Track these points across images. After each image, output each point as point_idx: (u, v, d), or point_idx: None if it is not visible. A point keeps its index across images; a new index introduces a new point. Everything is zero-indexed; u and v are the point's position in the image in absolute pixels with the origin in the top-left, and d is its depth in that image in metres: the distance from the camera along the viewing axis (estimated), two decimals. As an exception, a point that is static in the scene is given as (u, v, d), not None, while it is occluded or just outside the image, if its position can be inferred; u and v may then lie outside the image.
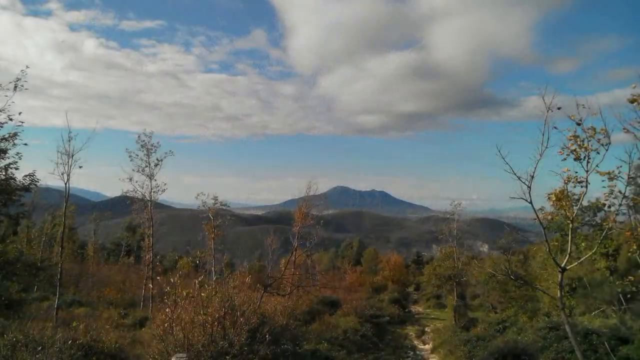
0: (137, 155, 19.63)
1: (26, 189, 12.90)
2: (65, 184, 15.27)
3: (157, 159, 19.85)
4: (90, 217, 38.97)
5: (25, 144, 12.40)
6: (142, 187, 19.94)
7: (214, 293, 8.70)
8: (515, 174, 6.63)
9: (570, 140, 6.33)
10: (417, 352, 17.40)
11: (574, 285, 18.29)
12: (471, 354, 13.79)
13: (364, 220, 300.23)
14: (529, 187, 6.64)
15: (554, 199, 6.58)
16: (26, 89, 12.38)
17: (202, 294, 8.35)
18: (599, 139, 6.19)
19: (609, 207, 6.57)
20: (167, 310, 7.94)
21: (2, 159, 12.06)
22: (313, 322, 15.99)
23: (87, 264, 32.84)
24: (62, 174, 15.01)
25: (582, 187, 6.51)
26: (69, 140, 15.01)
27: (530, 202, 6.73)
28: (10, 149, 12.12)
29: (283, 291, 16.01)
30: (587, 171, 6.38)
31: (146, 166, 19.73)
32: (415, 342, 19.53)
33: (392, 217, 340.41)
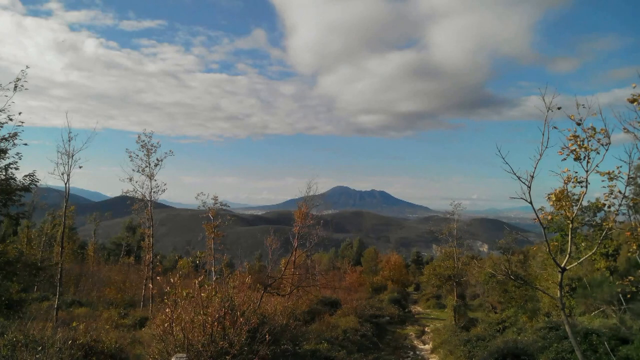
0: (137, 156, 19.65)
1: (26, 189, 12.91)
2: (65, 184, 15.29)
3: (157, 159, 19.86)
4: (90, 217, 38.95)
5: (25, 144, 12.44)
6: (142, 187, 19.96)
7: (214, 293, 8.69)
8: (515, 174, 6.63)
9: (570, 140, 6.33)
10: (417, 352, 17.40)
11: (574, 285, 18.30)
12: (471, 354, 13.79)
13: (364, 220, 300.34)
14: (529, 187, 6.63)
15: (553, 199, 6.57)
16: (26, 89, 12.40)
17: (202, 294, 8.34)
18: (599, 139, 6.18)
19: (609, 207, 6.56)
20: (167, 310, 7.92)
21: (2, 159, 12.07)
22: (313, 322, 15.99)
23: (87, 264, 32.85)
24: (62, 174, 15.04)
25: (582, 187, 6.51)
26: (69, 141, 15.07)
27: (530, 202, 6.73)
28: (10, 149, 12.15)
29: (283, 291, 16.01)
30: (587, 171, 6.38)
31: (146, 166, 19.74)
32: (415, 342, 19.53)
33: (392, 217, 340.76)
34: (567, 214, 6.66)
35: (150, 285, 19.48)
